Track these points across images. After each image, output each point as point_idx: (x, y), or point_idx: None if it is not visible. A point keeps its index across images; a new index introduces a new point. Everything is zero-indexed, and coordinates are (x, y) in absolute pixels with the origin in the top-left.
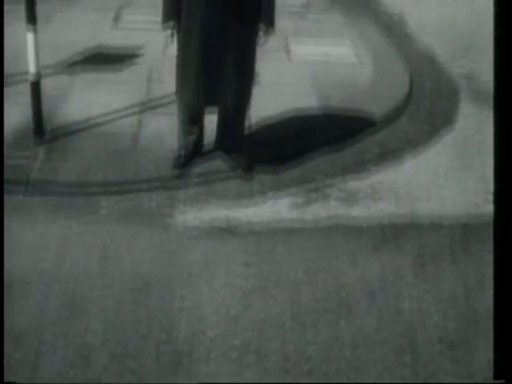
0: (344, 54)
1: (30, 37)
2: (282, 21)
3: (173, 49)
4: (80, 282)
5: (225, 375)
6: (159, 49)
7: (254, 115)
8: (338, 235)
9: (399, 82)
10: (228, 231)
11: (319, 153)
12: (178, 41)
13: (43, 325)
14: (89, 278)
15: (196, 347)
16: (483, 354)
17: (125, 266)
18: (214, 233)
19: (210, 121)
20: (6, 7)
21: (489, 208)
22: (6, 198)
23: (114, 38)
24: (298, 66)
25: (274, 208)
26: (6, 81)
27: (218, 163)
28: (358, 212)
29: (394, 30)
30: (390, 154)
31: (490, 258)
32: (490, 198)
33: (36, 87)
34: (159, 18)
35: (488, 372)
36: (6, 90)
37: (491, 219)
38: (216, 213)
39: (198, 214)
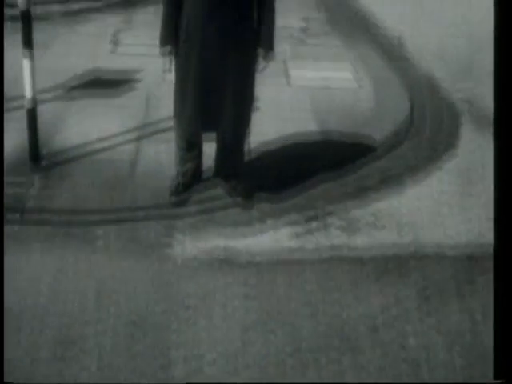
0: (344, 78)
1: (26, 63)
2: (281, 45)
3: (171, 74)
4: (75, 316)
5: None
6: (157, 73)
7: (253, 140)
8: (340, 266)
9: (399, 107)
10: (227, 262)
11: (319, 179)
12: (176, 66)
13: (36, 362)
14: (84, 313)
15: None
16: None
17: (121, 299)
18: (213, 263)
19: (209, 146)
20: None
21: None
22: None
23: (112, 63)
24: (298, 91)
25: (274, 237)
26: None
27: (217, 190)
28: (360, 241)
29: (393, 53)
30: (391, 181)
31: None
32: None
33: (32, 114)
34: (158, 42)
35: None
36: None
37: None
38: (215, 242)
39: (197, 243)
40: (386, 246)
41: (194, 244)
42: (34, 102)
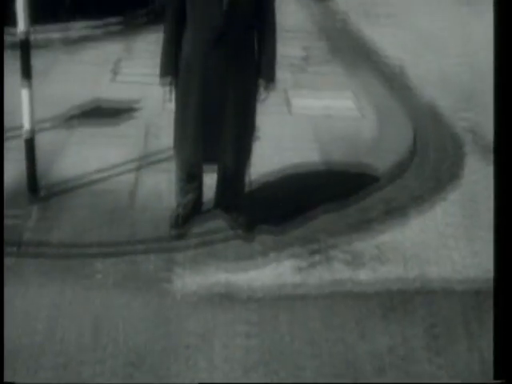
0: (345, 106)
1: (24, 93)
2: (282, 73)
3: (171, 103)
4: (71, 355)
5: None
6: (158, 103)
7: (254, 171)
8: (344, 302)
9: (402, 136)
10: (228, 297)
11: (322, 211)
12: (176, 95)
13: None
14: (81, 352)
15: None
16: None
17: (119, 337)
18: (214, 299)
19: (210, 177)
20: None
21: None
22: None
23: (112, 92)
24: (299, 120)
25: (276, 271)
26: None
27: (218, 222)
28: (365, 276)
29: (395, 81)
30: (395, 212)
31: None
32: None
33: (30, 144)
34: (158, 72)
35: None
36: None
37: None
38: (215, 277)
39: (197, 277)
40: (391, 280)
41: (194, 278)
42: (33, 132)
